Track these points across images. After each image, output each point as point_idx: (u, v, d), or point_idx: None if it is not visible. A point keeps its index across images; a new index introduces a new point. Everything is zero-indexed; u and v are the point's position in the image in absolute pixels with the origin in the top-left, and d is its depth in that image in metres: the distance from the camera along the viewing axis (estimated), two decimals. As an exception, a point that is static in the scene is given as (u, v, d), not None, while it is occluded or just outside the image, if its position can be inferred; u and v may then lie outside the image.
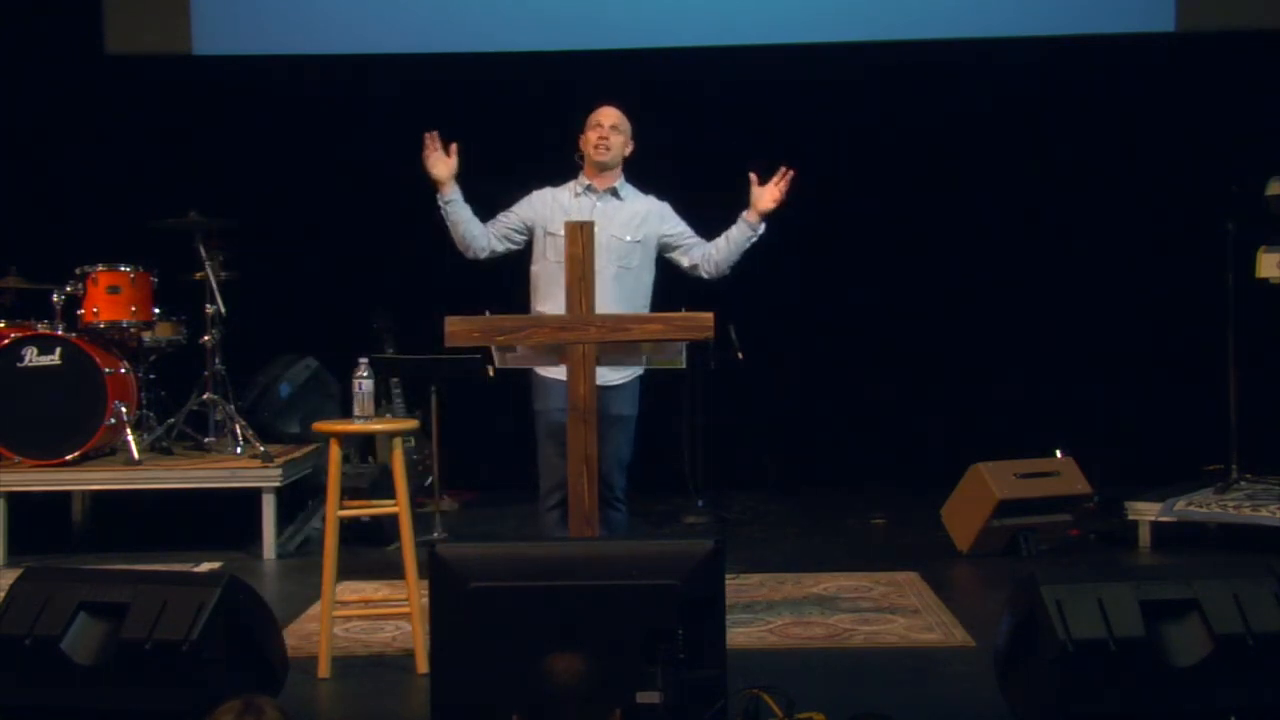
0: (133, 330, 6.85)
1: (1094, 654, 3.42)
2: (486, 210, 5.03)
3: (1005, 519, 6.21)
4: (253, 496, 6.50)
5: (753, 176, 4.90)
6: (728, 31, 7.84)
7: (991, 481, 6.20)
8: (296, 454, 6.91)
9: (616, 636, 3.21)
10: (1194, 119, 7.68)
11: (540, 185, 5.08)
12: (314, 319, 7.79)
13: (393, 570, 5.45)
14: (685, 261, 5.04)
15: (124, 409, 6.58)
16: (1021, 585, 3.69)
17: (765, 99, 7.85)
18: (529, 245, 5.03)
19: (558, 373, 4.63)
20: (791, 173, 4.87)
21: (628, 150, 5.04)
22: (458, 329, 4.17)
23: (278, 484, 6.50)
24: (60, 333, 6.63)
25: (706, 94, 7.89)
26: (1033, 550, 6.19)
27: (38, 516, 6.83)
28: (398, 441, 4.61)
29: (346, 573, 5.35)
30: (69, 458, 6.54)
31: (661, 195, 5.11)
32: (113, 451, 6.87)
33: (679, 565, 3.41)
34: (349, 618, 5.02)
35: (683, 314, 4.26)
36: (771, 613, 5.21)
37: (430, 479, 7.03)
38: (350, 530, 6.16)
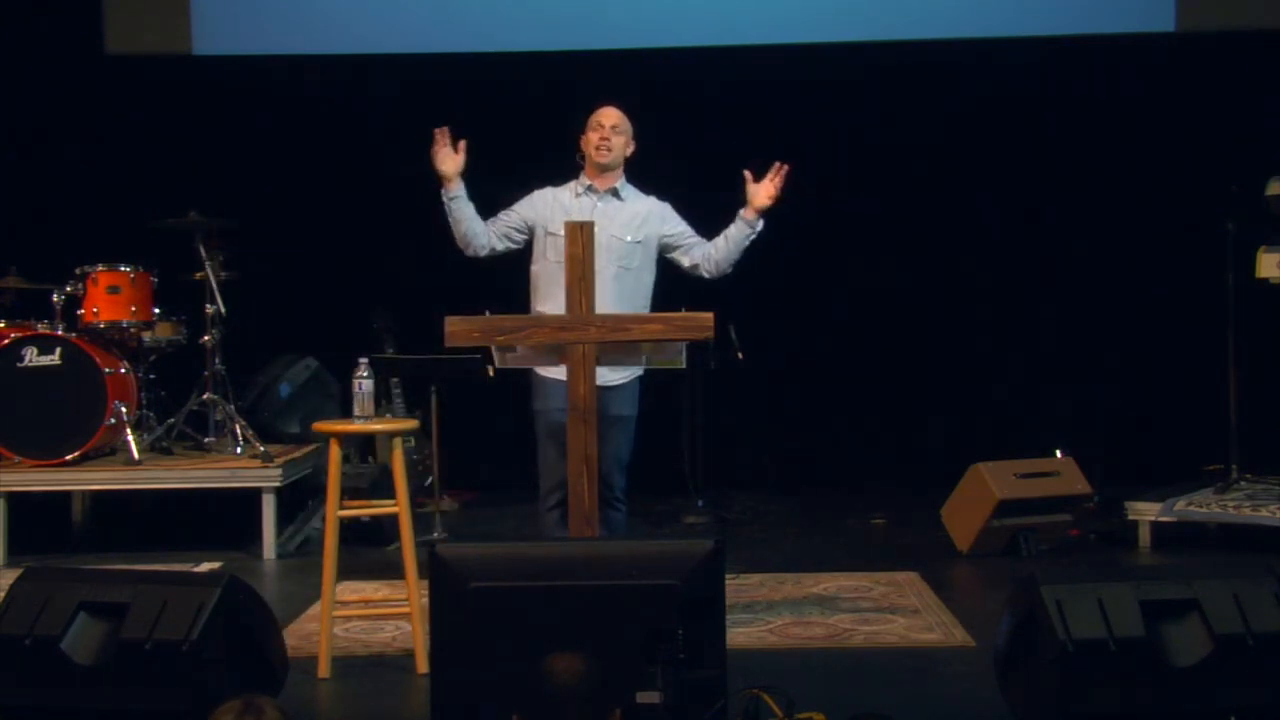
0: (133, 330, 6.85)
1: (1094, 654, 3.42)
2: (486, 210, 5.03)
3: (1005, 519, 6.21)
4: (253, 496, 6.50)
5: (747, 174, 4.91)
6: (728, 31, 7.84)
7: (991, 481, 6.20)
8: (296, 454, 6.91)
9: (616, 636, 3.21)
10: (1194, 119, 7.68)
11: (540, 185, 5.08)
12: (314, 319, 7.79)
13: (393, 570, 5.45)
14: (686, 262, 5.05)
15: (124, 409, 6.58)
16: (1021, 585, 3.69)
17: (765, 99, 7.84)
18: (529, 245, 5.03)
19: (558, 373, 4.63)
20: (786, 167, 4.87)
21: (629, 150, 5.04)
22: (458, 329, 4.17)
23: (278, 484, 6.50)
24: (60, 333, 6.63)
25: (706, 94, 7.89)
26: (1033, 550, 6.19)
27: (38, 516, 6.83)
28: (398, 441, 4.61)
29: (346, 573, 5.35)
30: (69, 458, 6.54)
31: (662, 195, 5.11)
32: (113, 451, 6.87)
33: (679, 565, 3.41)
34: (349, 618, 5.02)
35: (683, 314, 4.26)
36: (771, 613, 5.21)
37: (430, 479, 7.03)
38: (350, 530, 6.16)
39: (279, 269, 7.71)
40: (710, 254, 4.99)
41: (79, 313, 6.75)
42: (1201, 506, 6.27)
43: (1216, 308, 6.63)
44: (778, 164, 4.87)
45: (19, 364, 6.51)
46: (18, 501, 6.51)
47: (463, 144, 4.89)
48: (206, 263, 6.79)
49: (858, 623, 5.06)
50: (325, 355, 7.60)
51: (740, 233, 4.94)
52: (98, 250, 6.86)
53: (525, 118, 7.57)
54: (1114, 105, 7.88)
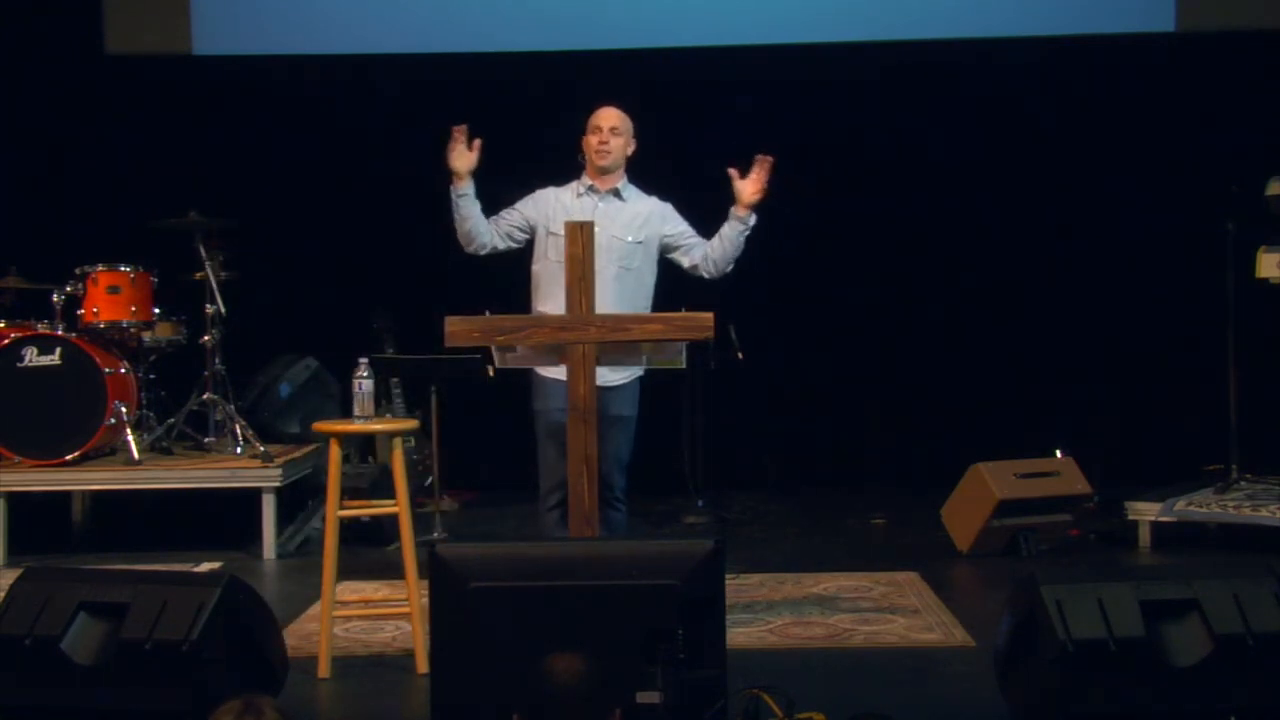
0: (133, 330, 6.85)
1: (1094, 654, 3.42)
2: (487, 209, 5.03)
3: (1005, 519, 6.21)
4: (253, 496, 6.50)
5: (732, 172, 4.90)
6: (728, 31, 7.84)
7: (991, 481, 6.20)
8: (296, 454, 6.91)
9: (616, 636, 3.21)
10: (1194, 119, 7.68)
11: (541, 185, 5.08)
12: (314, 319, 7.78)
13: (393, 570, 5.45)
14: (686, 262, 5.05)
15: (124, 409, 6.58)
16: (1021, 585, 3.69)
17: (765, 99, 7.84)
18: (530, 244, 5.03)
19: (558, 373, 4.63)
20: (770, 160, 4.85)
21: (629, 150, 5.04)
22: (458, 329, 4.17)
23: (278, 484, 6.50)
24: (60, 333, 6.63)
25: (706, 94, 7.89)
26: (1033, 550, 6.19)
27: (38, 516, 6.83)
28: (398, 441, 4.61)
29: (346, 573, 5.35)
30: (69, 458, 6.54)
31: (663, 196, 5.11)
32: (113, 451, 6.87)
33: (679, 565, 3.41)
34: (349, 618, 5.02)
35: (683, 314, 4.26)
36: (771, 613, 5.21)
37: (430, 479, 7.03)
38: (350, 530, 6.16)
39: (279, 269, 7.71)
40: (709, 254, 4.99)
41: (79, 313, 6.74)
42: (1201, 506, 6.27)
43: (1216, 308, 6.62)
44: (759, 157, 4.87)
45: (19, 364, 6.51)
46: (18, 501, 6.51)
47: (478, 142, 4.88)
48: (206, 263, 6.79)
49: (858, 623, 5.06)
50: (325, 355, 7.59)
51: (733, 230, 4.93)
52: (98, 250, 6.85)
53: (525, 118, 7.56)
54: (1114, 105, 7.88)
